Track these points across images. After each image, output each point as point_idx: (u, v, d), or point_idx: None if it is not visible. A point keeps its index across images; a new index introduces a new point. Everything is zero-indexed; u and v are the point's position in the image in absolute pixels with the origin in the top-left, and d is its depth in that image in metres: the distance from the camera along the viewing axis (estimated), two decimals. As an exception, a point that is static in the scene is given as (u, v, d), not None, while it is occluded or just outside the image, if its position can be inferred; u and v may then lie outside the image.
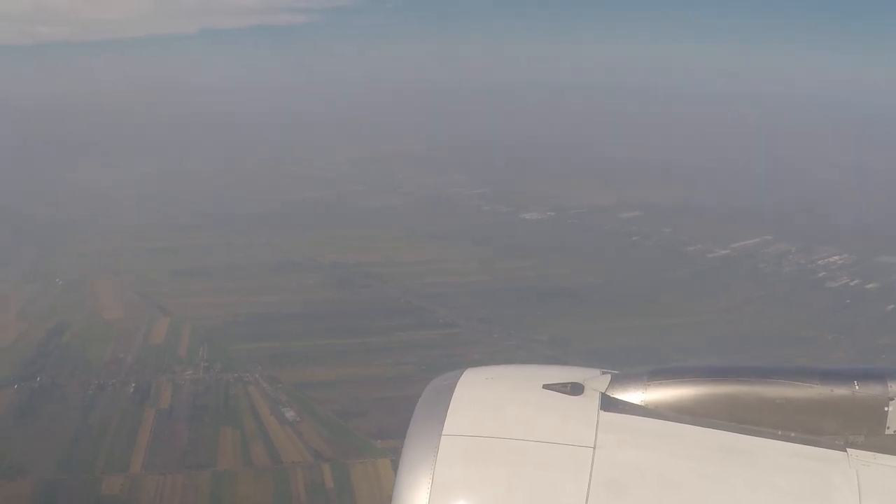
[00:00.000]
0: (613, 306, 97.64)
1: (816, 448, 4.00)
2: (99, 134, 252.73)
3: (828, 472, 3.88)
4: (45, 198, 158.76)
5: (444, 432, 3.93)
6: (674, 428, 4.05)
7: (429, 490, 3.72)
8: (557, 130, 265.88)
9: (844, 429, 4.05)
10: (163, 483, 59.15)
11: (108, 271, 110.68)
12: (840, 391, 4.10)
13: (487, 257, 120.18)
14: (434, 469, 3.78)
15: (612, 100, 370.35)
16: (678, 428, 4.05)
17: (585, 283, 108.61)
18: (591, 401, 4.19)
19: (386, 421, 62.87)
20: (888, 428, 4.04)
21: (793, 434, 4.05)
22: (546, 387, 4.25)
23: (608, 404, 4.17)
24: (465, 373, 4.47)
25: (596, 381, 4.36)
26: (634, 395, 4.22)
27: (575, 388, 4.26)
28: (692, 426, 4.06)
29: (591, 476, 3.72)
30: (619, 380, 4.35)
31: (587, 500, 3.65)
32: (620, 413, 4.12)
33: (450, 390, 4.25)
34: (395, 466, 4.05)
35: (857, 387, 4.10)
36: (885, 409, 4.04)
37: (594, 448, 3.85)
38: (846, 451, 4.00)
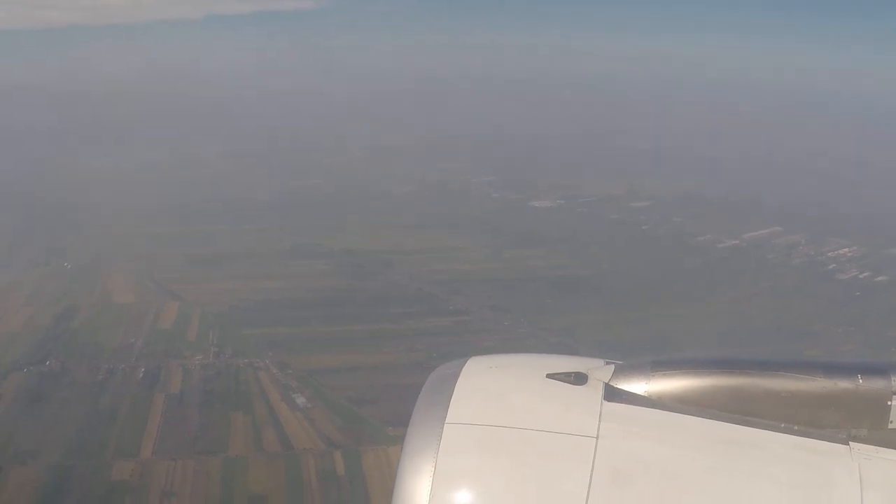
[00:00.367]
0: (623, 295, 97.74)
1: (819, 441, 3.99)
2: (107, 119, 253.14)
3: (830, 466, 3.88)
4: (52, 182, 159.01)
5: (447, 420, 3.94)
6: (677, 419, 4.05)
7: (431, 478, 3.73)
8: (568, 120, 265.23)
9: (847, 422, 4.05)
10: (173, 468, 59.09)
11: (119, 256, 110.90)
12: (844, 384, 4.10)
13: (497, 245, 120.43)
14: (437, 457, 3.79)
15: (624, 90, 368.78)
16: (681, 419, 4.05)
17: (595, 271, 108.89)
18: (594, 391, 4.18)
19: (398, 408, 62.62)
20: (891, 422, 4.03)
21: (795, 427, 4.05)
22: (549, 376, 4.25)
23: (611, 394, 4.17)
24: (468, 361, 4.46)
25: (599, 370, 4.36)
26: (638, 386, 4.22)
27: (578, 378, 4.26)
28: (695, 417, 4.06)
29: (593, 466, 3.73)
30: (623, 370, 4.34)
31: (589, 489, 3.66)
32: (624, 403, 4.12)
33: (453, 379, 4.24)
34: (403, 455, 4.03)
35: (860, 380, 4.10)
36: (889, 403, 4.04)
37: (597, 438, 3.85)
38: (849, 444, 3.99)
